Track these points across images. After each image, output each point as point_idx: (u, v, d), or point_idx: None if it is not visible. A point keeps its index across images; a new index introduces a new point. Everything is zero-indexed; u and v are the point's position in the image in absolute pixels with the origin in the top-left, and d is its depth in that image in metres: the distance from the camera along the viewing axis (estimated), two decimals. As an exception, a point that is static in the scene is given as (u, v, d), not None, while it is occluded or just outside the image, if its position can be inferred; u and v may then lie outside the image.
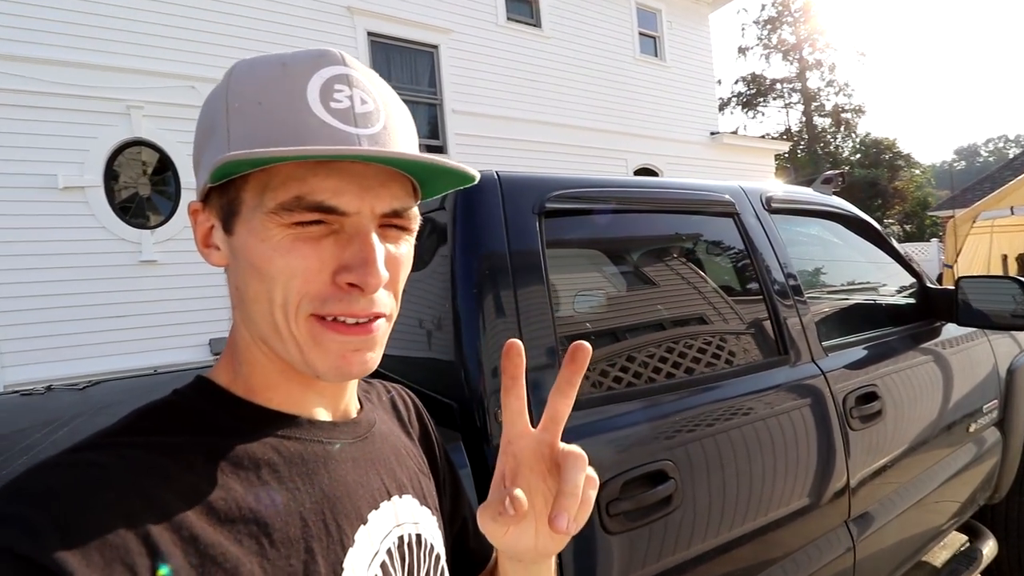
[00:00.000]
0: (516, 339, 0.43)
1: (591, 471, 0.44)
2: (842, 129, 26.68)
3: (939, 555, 1.94)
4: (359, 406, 0.51)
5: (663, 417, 1.13)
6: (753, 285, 1.49)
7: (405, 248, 0.44)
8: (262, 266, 0.39)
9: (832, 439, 1.40)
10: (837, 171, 2.08)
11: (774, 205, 1.67)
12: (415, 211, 0.44)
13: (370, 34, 6.66)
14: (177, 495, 0.34)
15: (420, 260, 1.31)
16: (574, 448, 0.44)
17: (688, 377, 1.25)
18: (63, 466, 0.34)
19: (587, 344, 0.44)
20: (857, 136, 26.41)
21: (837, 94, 26.95)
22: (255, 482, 0.38)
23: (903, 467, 1.63)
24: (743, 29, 33.12)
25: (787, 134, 27.91)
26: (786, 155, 25.85)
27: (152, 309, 5.07)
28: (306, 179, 0.38)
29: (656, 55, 9.64)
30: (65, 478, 0.32)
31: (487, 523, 0.42)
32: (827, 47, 26.82)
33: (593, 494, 0.43)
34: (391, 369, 1.49)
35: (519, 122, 7.76)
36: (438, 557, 0.51)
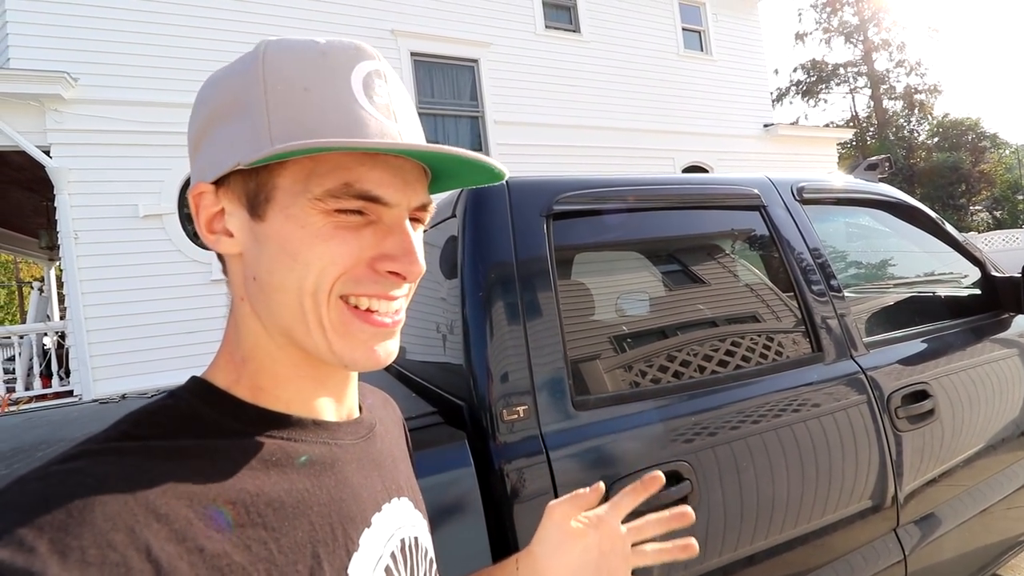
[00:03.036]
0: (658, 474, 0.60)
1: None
2: (916, 112, 24.75)
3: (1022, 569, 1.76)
4: (360, 406, 0.51)
5: (676, 418, 1.10)
6: (782, 279, 1.43)
7: (420, 240, 0.45)
8: (300, 251, 0.38)
9: (874, 440, 1.31)
10: (882, 156, 1.95)
11: (806, 196, 1.60)
12: (432, 206, 0.46)
13: (413, 54, 6.90)
14: (180, 503, 0.32)
15: (437, 267, 1.35)
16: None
17: (704, 377, 1.21)
18: (57, 475, 0.31)
19: (661, 476, 0.59)
20: (934, 118, 24.41)
21: (908, 74, 25.06)
22: (262, 486, 0.37)
23: (964, 472, 1.50)
24: (799, 14, 31.53)
25: (854, 121, 26.22)
26: (852, 143, 24.29)
27: (222, 324, 5.45)
28: (353, 168, 0.38)
29: (701, 49, 9.37)
30: (61, 488, 0.30)
31: (562, 523, 0.57)
32: (894, 25, 25.06)
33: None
34: (409, 369, 1.54)
35: (561, 128, 7.77)
36: (432, 561, 0.51)
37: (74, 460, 0.32)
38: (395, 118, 0.40)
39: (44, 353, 5.87)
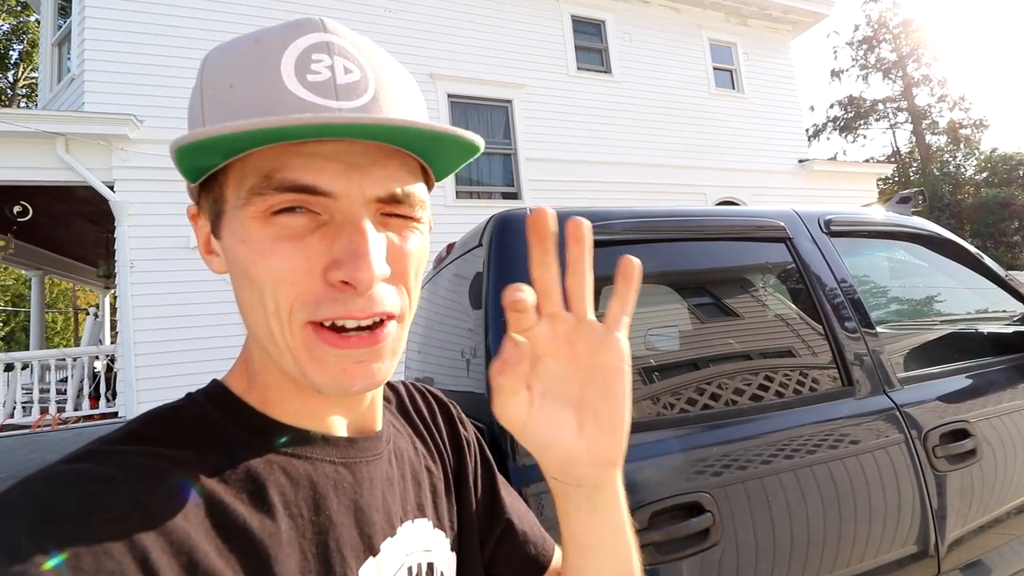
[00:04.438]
0: (545, 208, 0.36)
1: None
2: (962, 146, 24.05)
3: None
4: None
5: (697, 448, 1.09)
6: (809, 311, 1.41)
7: (415, 240, 0.38)
8: (248, 270, 0.35)
9: (910, 480, 1.25)
10: (915, 189, 1.92)
11: (834, 228, 1.59)
12: (420, 194, 0.38)
13: (450, 96, 7.21)
14: (179, 513, 0.31)
15: (464, 297, 1.40)
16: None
17: (728, 408, 1.20)
18: (62, 476, 0.31)
19: (550, 210, 0.36)
20: (981, 153, 23.63)
21: (952, 109, 24.48)
22: (258, 506, 0.35)
23: (1015, 518, 1.41)
24: (835, 52, 31.46)
25: (895, 156, 25.62)
26: (894, 178, 23.67)
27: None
28: (276, 158, 0.33)
29: (733, 87, 9.45)
30: (61, 491, 0.29)
31: (502, 401, 0.36)
32: (935, 61, 24.68)
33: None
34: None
35: (592, 164, 7.89)
36: None
37: (81, 461, 0.32)
38: (338, 94, 0.34)
39: (94, 376, 6.18)
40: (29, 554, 0.27)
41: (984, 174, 22.51)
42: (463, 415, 0.59)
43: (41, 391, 5.76)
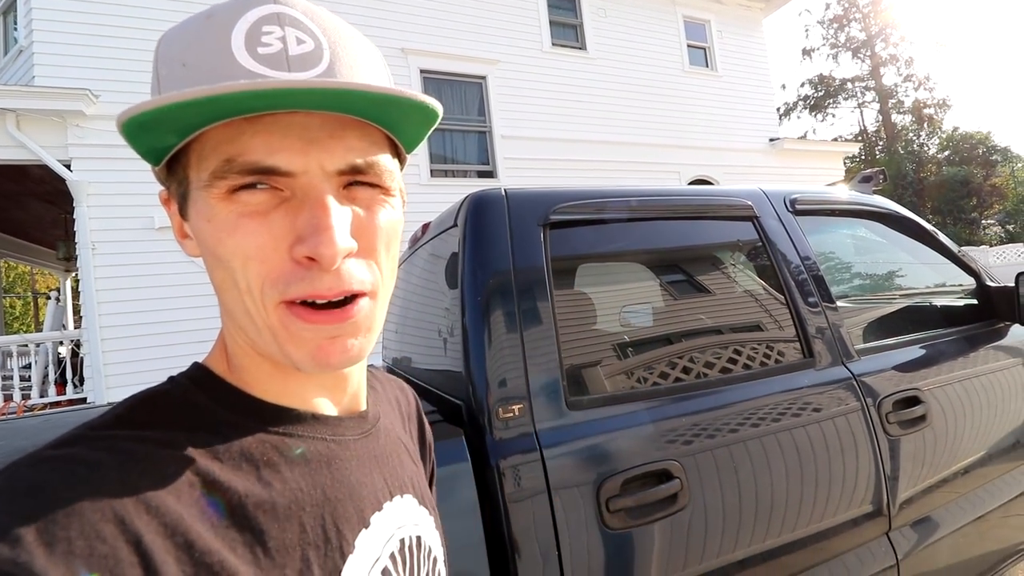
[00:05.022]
0: None
1: None
2: (925, 126, 24.71)
3: (1022, 581, 1.76)
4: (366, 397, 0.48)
5: (667, 419, 1.14)
6: (774, 287, 1.47)
7: (385, 212, 0.38)
8: (215, 249, 0.35)
9: (865, 444, 1.33)
10: (876, 169, 1.99)
11: (799, 207, 1.64)
12: (385, 164, 0.38)
13: (423, 71, 7.06)
14: (172, 496, 0.31)
15: (440, 277, 1.41)
16: None
17: (694, 380, 1.25)
18: (49, 461, 0.30)
19: None
20: (944, 132, 24.35)
21: (917, 89, 25.07)
22: (254, 484, 0.35)
23: (960, 479, 1.52)
24: (807, 30, 31.72)
25: (862, 135, 26.21)
26: (860, 157, 24.26)
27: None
28: (236, 140, 0.33)
29: (707, 65, 9.49)
30: (52, 475, 0.29)
31: None
32: (902, 40, 25.15)
33: None
34: (413, 375, 1.59)
35: (568, 142, 7.88)
36: (435, 559, 0.49)
37: (68, 446, 0.32)
38: (289, 66, 0.33)
39: (59, 361, 6.00)
40: (19, 540, 0.26)
41: (946, 153, 23.24)
42: (424, 415, 0.61)
43: (3, 378, 5.57)
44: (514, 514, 0.97)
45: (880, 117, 25.71)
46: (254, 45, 0.33)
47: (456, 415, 1.12)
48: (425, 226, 1.71)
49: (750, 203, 1.54)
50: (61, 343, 6.12)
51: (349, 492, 0.40)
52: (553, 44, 8.02)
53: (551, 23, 8.04)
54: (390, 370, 2.07)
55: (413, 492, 0.48)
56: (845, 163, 11.51)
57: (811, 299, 1.47)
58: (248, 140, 0.33)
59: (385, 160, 0.38)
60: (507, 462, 0.99)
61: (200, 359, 0.43)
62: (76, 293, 7.08)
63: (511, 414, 1.03)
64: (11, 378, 5.58)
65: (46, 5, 5.46)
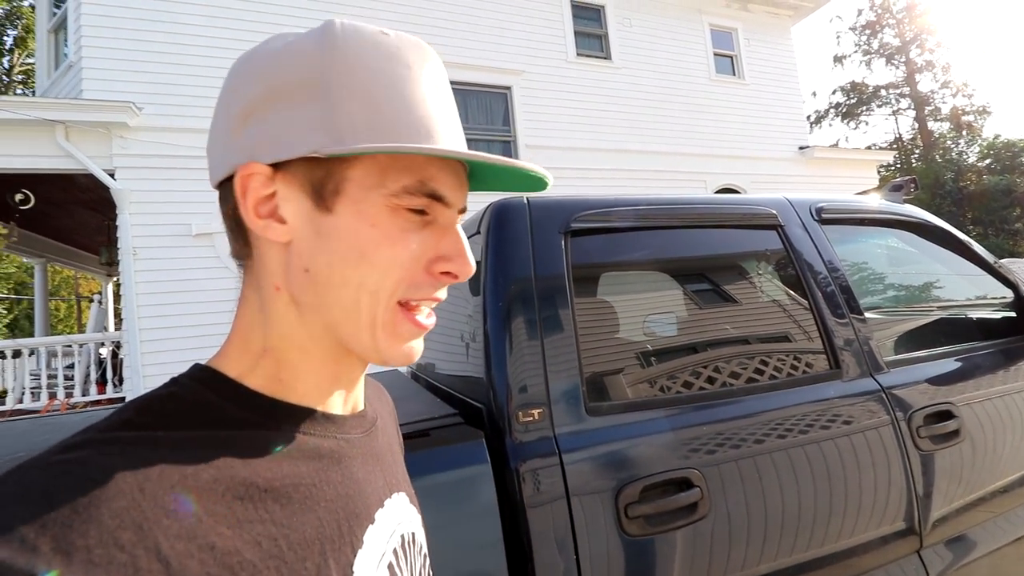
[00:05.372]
0: None
1: None
2: (964, 133, 23.89)
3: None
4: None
5: (688, 427, 1.14)
6: (799, 298, 1.45)
7: None
8: (368, 250, 0.38)
9: (894, 459, 1.30)
10: (908, 177, 1.95)
11: (825, 216, 1.62)
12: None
13: (450, 83, 7.18)
14: (190, 496, 0.31)
15: (465, 282, 1.44)
16: None
17: (716, 389, 1.24)
18: (60, 465, 0.29)
19: None
20: (984, 140, 23.49)
21: (955, 96, 24.29)
22: (271, 480, 0.35)
23: (998, 497, 1.46)
24: (838, 37, 31.12)
25: (898, 143, 25.48)
26: (896, 165, 23.56)
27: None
28: (426, 167, 0.39)
29: (734, 73, 9.40)
30: (64, 480, 0.28)
31: None
32: (938, 46, 24.43)
33: None
34: (436, 379, 1.62)
35: (592, 152, 7.89)
36: (426, 556, 0.51)
37: (78, 450, 0.31)
38: (456, 120, 0.42)
39: (100, 362, 6.25)
40: (35, 548, 0.25)
41: (987, 161, 22.41)
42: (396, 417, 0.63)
43: (49, 377, 5.83)
44: (533, 517, 0.99)
45: (916, 124, 24.96)
46: (437, 94, 0.41)
47: (477, 418, 1.14)
48: (449, 234, 1.74)
49: (774, 212, 1.53)
50: (102, 344, 6.38)
51: (358, 489, 0.41)
52: (578, 54, 8.07)
53: (576, 33, 8.09)
54: (414, 376, 2.10)
55: (405, 490, 0.50)
56: (879, 172, 11.21)
57: (838, 309, 1.44)
58: (436, 172, 0.40)
59: None
60: (526, 465, 1.01)
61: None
62: (117, 297, 7.38)
63: (531, 418, 1.05)
64: (56, 377, 5.84)
65: (94, 23, 5.77)
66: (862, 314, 1.47)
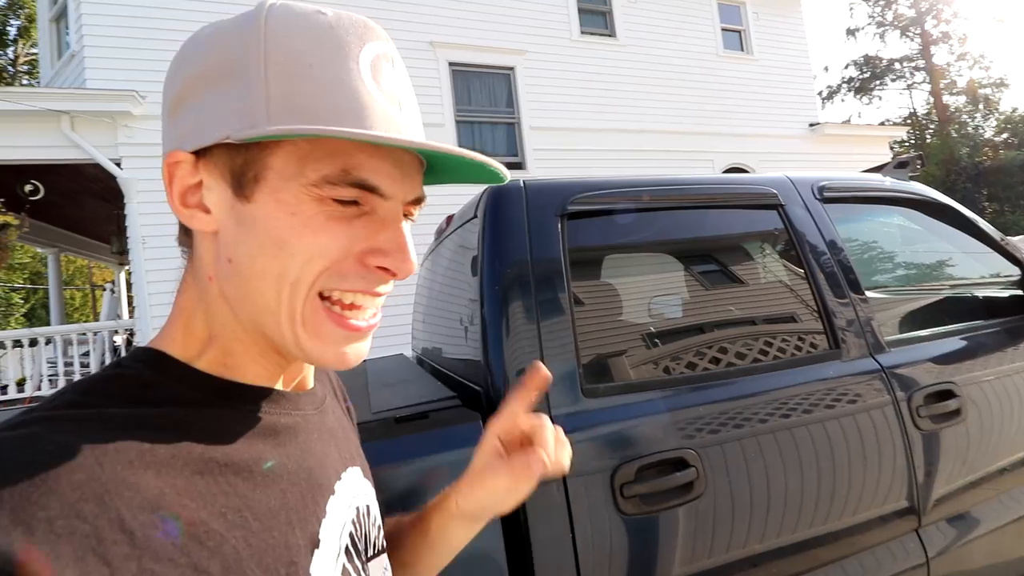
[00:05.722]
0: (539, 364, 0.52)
1: (561, 435, 0.55)
2: (981, 107, 23.28)
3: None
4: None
5: (683, 408, 1.15)
6: (799, 277, 1.45)
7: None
8: (288, 240, 0.36)
9: (893, 438, 1.30)
10: (915, 154, 1.92)
11: (828, 194, 1.60)
12: (425, 201, 0.44)
13: (451, 64, 7.10)
14: (151, 471, 0.30)
15: (465, 267, 1.44)
16: (539, 421, 0.53)
17: (713, 369, 1.25)
18: (10, 441, 0.28)
19: (545, 370, 0.52)
20: (1001, 113, 22.89)
21: (971, 68, 23.62)
22: (230, 454, 0.35)
23: (1000, 477, 1.46)
24: (851, 9, 30.28)
25: (912, 118, 24.91)
26: (909, 141, 23.08)
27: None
28: (353, 155, 0.36)
29: (742, 49, 9.20)
30: (18, 455, 0.28)
31: (498, 478, 0.52)
32: (954, 17, 23.69)
33: (566, 457, 0.55)
34: (437, 362, 1.63)
35: (597, 132, 7.80)
36: (379, 527, 0.52)
37: (25, 427, 0.30)
38: (400, 106, 0.38)
39: (115, 349, 6.37)
40: None
41: (1004, 135, 21.87)
42: (344, 390, 0.63)
43: (65, 365, 5.95)
44: (529, 498, 1.00)
45: (931, 99, 24.36)
46: (377, 77, 0.37)
47: (475, 401, 1.15)
48: (449, 218, 1.75)
49: (774, 191, 1.51)
50: (116, 332, 6.48)
51: (316, 462, 0.42)
52: (582, 32, 7.93)
53: (580, 11, 7.94)
54: (419, 360, 2.13)
55: (359, 464, 0.51)
56: (892, 148, 11.00)
57: (839, 289, 1.43)
58: (365, 159, 0.36)
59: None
60: (523, 447, 1.02)
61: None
62: (129, 285, 7.48)
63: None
64: (72, 364, 5.96)
65: (95, 11, 5.75)
66: (864, 294, 1.46)
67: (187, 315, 0.41)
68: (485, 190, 1.30)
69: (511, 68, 7.39)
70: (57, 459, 0.28)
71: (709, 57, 8.84)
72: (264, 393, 0.41)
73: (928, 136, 24.02)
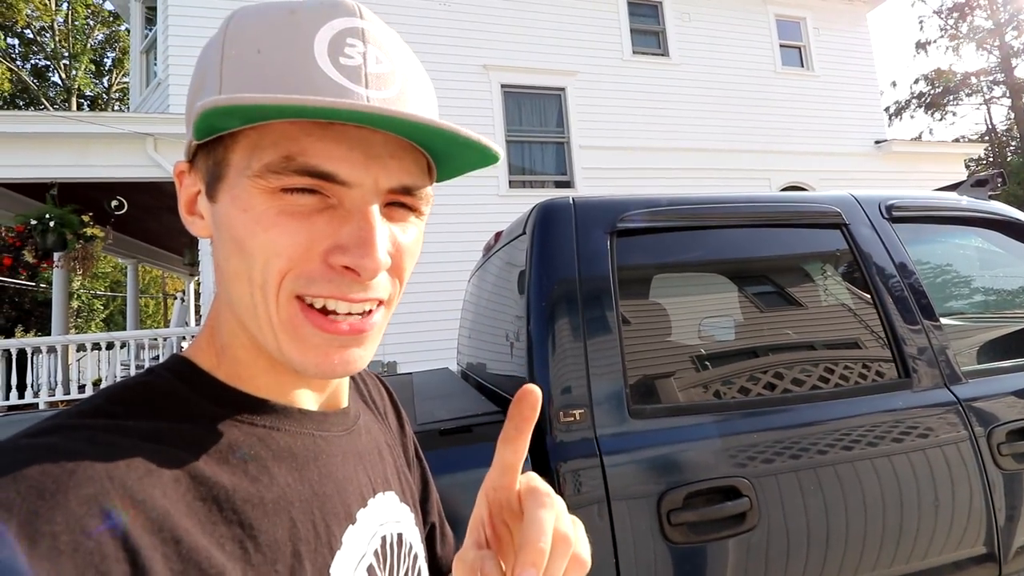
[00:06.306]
0: (534, 386, 0.35)
1: (565, 521, 0.35)
2: (1071, 122, 21.42)
3: None
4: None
5: (737, 434, 1.10)
6: (865, 301, 1.37)
7: (413, 232, 0.39)
8: (243, 239, 0.34)
9: (971, 477, 1.20)
10: (995, 171, 1.79)
11: (897, 214, 1.52)
12: (428, 192, 0.39)
13: (503, 86, 7.25)
14: (158, 490, 0.30)
15: (510, 282, 1.45)
16: (535, 485, 0.35)
17: (769, 396, 1.19)
18: (27, 450, 0.28)
19: (536, 389, 0.35)
20: (1095, 128, 20.97)
21: (1060, 80, 21.85)
22: (241, 478, 0.34)
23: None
24: (921, 22, 28.83)
25: (990, 135, 23.26)
26: (987, 159, 21.56)
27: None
28: (298, 139, 0.33)
29: (802, 65, 8.91)
30: (32, 466, 0.27)
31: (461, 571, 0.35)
32: (1041, 27, 22.07)
33: (577, 540, 0.34)
34: (483, 378, 1.64)
35: (648, 151, 7.71)
36: (416, 556, 0.48)
37: (46, 435, 0.30)
38: (367, 83, 0.34)
39: (180, 351, 6.76)
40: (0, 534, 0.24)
41: (1098, 152, 20.07)
42: (399, 404, 0.59)
43: (137, 367, 6.37)
44: (572, 513, 0.98)
45: (1012, 114, 22.67)
46: (336, 54, 0.34)
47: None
48: (498, 235, 1.77)
49: (838, 209, 1.45)
50: (184, 338, 6.90)
51: (336, 488, 0.39)
52: (634, 52, 7.92)
53: (632, 31, 7.94)
54: (464, 375, 2.14)
55: (396, 488, 0.47)
56: (968, 166, 10.30)
57: (909, 314, 1.35)
58: (312, 143, 0.33)
59: (428, 190, 0.39)
60: (567, 465, 1.01)
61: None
62: (198, 295, 7.97)
63: (572, 418, 1.05)
64: (143, 367, 6.38)
65: (180, 43, 6.26)
66: (937, 320, 1.37)
67: (211, 324, 0.40)
68: (535, 207, 1.31)
69: (562, 88, 7.47)
70: (69, 472, 0.28)
71: (766, 74, 8.61)
72: (285, 411, 0.39)
73: (1009, 153, 22.34)
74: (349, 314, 0.35)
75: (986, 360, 1.44)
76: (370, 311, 0.36)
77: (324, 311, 0.35)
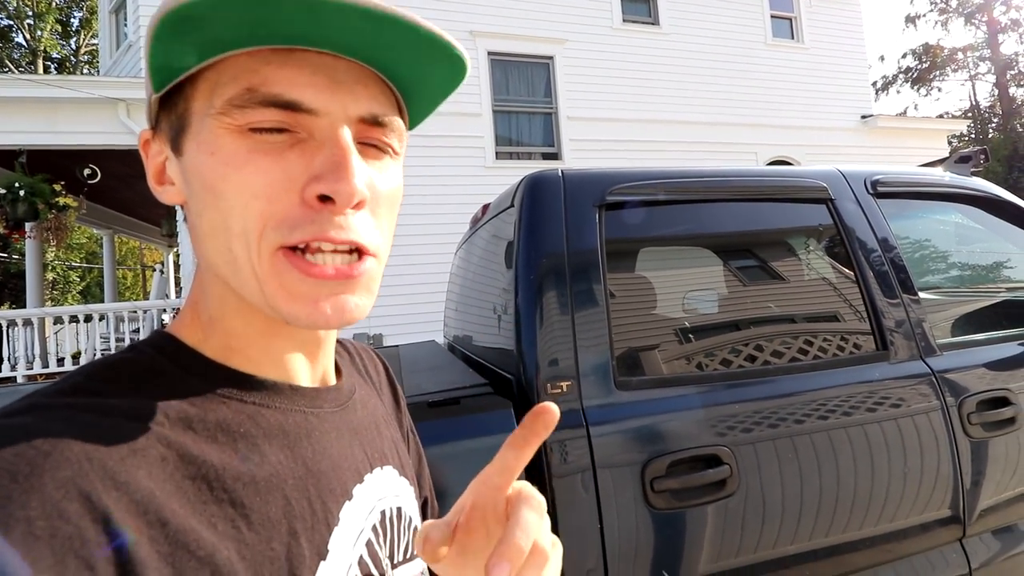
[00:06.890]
0: (554, 407, 0.33)
1: (547, 536, 0.34)
2: (1053, 99, 21.68)
3: None
4: (338, 369, 0.46)
5: (718, 404, 1.13)
6: (847, 275, 1.39)
7: (391, 172, 0.37)
8: (215, 184, 0.32)
9: (940, 445, 1.25)
10: (978, 148, 1.81)
11: (881, 189, 1.53)
12: (400, 124, 0.37)
13: (490, 53, 7.08)
14: (142, 471, 0.28)
15: (497, 255, 1.45)
16: (530, 492, 0.35)
17: (751, 367, 1.22)
18: (1, 431, 0.27)
19: (555, 411, 0.33)
20: (1076, 106, 21.26)
21: (1044, 57, 22.01)
22: (231, 457, 0.33)
23: (1055, 489, 1.38)
24: (912, -6, 28.62)
25: (974, 111, 23.46)
26: (970, 136, 21.80)
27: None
28: (259, 71, 0.32)
29: (792, 37, 8.83)
30: (3, 450, 0.26)
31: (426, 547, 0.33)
32: (1029, 2, 22.07)
33: (552, 560, 0.33)
34: (470, 350, 1.65)
35: (638, 123, 7.65)
36: (416, 529, 0.47)
37: (20, 415, 0.28)
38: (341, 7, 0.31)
39: (162, 326, 6.69)
40: None
41: (1077, 130, 20.39)
42: (395, 378, 0.58)
43: (117, 340, 6.29)
44: (558, 486, 1.01)
45: (996, 90, 22.85)
46: None
47: (507, 389, 1.16)
48: (485, 207, 1.75)
49: (824, 184, 1.46)
50: (164, 310, 6.81)
51: (331, 464, 0.38)
52: (624, 20, 7.76)
53: (622, -1, 7.77)
54: (451, 347, 2.15)
55: (393, 463, 0.47)
56: (951, 142, 10.41)
57: (889, 288, 1.38)
58: (274, 71, 0.32)
59: (400, 121, 0.37)
60: (553, 436, 1.03)
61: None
62: (177, 266, 7.83)
63: (559, 390, 1.06)
64: (123, 340, 6.30)
65: (152, 3, 5.97)
66: (916, 294, 1.40)
67: (194, 299, 0.39)
68: (523, 179, 1.30)
69: (550, 57, 7.32)
70: (44, 453, 0.26)
71: (757, 46, 8.52)
72: (275, 387, 0.38)
73: (991, 130, 22.60)
74: (335, 252, 0.33)
75: (960, 333, 1.49)
76: (360, 257, 0.35)
77: (308, 252, 0.33)
